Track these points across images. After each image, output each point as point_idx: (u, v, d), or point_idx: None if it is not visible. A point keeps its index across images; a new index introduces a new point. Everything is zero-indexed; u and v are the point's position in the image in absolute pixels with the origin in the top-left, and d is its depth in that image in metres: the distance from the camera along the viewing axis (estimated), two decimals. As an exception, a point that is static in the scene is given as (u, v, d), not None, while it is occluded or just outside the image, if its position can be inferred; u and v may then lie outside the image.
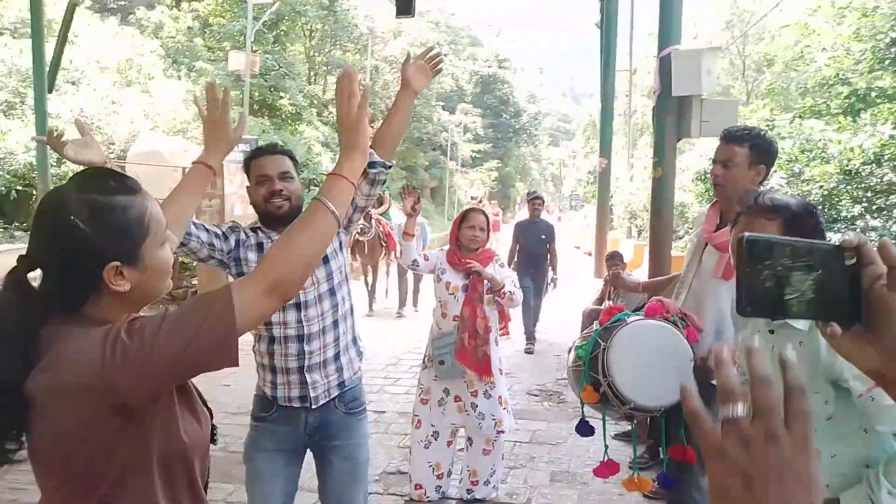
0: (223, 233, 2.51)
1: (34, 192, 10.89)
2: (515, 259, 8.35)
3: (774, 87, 22.32)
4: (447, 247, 4.13)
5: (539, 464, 4.65)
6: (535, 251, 8.26)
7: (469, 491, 4.07)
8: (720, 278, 2.73)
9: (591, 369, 2.66)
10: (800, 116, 14.00)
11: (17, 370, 1.20)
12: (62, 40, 9.86)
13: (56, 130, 1.96)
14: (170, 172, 10.18)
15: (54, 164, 11.14)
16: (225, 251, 2.50)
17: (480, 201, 17.33)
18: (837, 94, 12.81)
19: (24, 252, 1.29)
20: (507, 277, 4.05)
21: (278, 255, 1.29)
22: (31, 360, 1.20)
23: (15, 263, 1.28)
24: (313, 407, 2.53)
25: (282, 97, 23.31)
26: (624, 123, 30.80)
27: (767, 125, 14.49)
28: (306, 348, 2.49)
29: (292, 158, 2.60)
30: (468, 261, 3.90)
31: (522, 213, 12.74)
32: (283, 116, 23.54)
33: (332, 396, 2.56)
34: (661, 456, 2.88)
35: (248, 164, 2.54)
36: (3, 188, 10.99)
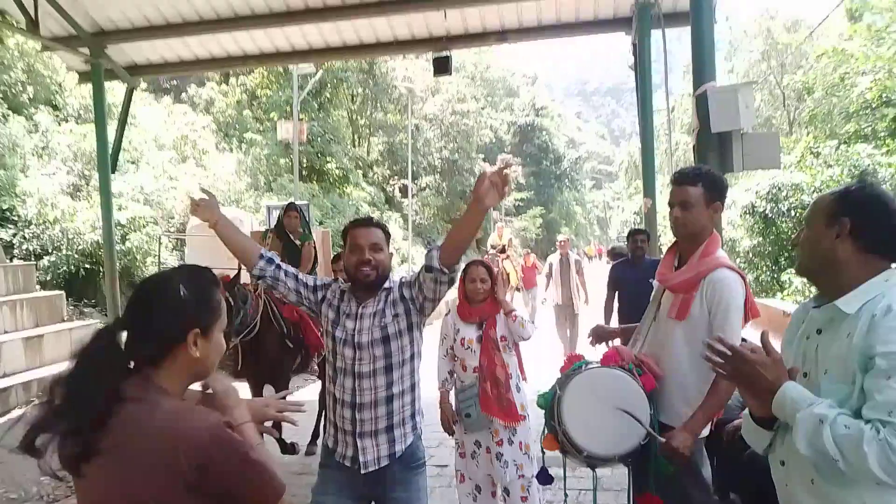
0: (313, 285, 2.79)
1: (101, 270, 11.40)
2: (616, 314, 6.75)
3: (816, 115, 22.00)
4: (452, 305, 4.29)
5: (606, 509, 4.60)
6: (643, 302, 6.68)
7: None
8: (674, 319, 2.70)
9: (550, 418, 2.70)
10: (845, 142, 13.76)
11: (94, 410, 1.42)
12: (122, 123, 10.47)
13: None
14: (226, 241, 10.58)
15: (118, 241, 11.69)
16: (312, 301, 2.78)
17: (503, 251, 14.23)
18: (883, 116, 12.62)
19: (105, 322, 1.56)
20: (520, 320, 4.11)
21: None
22: (107, 409, 1.43)
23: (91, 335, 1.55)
24: (362, 472, 2.62)
25: (328, 161, 24.03)
26: (665, 162, 30.66)
27: (812, 153, 14.33)
28: (358, 416, 2.62)
29: (385, 231, 2.78)
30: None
31: (554, 258, 10.53)
32: (331, 180, 24.22)
33: (382, 465, 2.64)
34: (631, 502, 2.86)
35: (346, 232, 2.78)
36: (72, 267, 11.55)
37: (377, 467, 2.63)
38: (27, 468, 6.04)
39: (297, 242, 6.94)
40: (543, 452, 2.94)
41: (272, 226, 7.73)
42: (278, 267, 2.74)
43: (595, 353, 3.06)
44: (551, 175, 55.45)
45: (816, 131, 21.24)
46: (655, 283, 2.98)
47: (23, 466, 6.09)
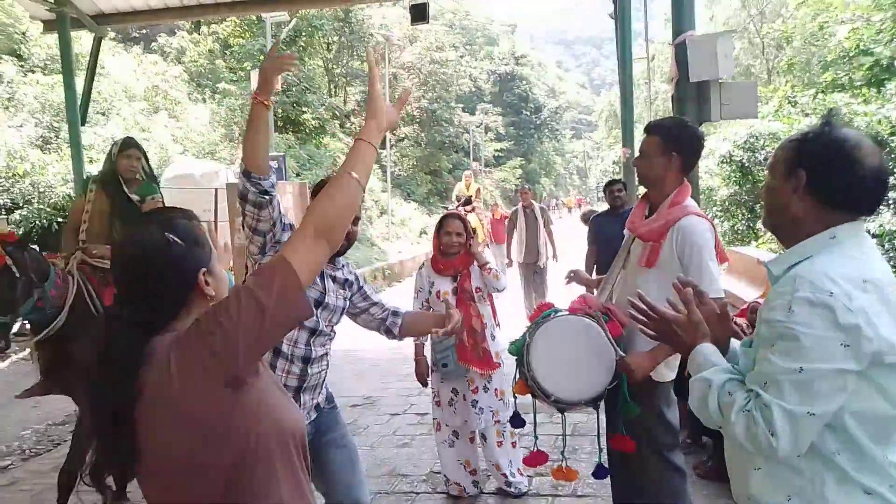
0: (289, 224, 2.63)
1: (74, 223, 11.24)
2: (595, 268, 6.56)
3: (795, 64, 22.00)
4: (426, 259, 4.30)
5: (581, 455, 4.72)
6: None
7: (508, 484, 4.17)
8: (644, 266, 2.77)
9: (520, 364, 2.80)
10: (822, 91, 13.79)
11: (129, 396, 1.33)
12: (91, 74, 10.16)
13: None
14: (202, 194, 10.45)
15: (91, 193, 11.49)
16: (279, 243, 2.59)
17: (469, 203, 12.45)
18: (860, 65, 12.65)
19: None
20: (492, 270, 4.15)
21: (317, 208, 1.46)
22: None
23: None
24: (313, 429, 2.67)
25: (304, 112, 23.64)
26: (645, 110, 30.61)
27: (790, 102, 14.36)
28: (309, 370, 2.65)
29: None
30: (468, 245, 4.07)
31: (518, 211, 9.60)
32: (307, 130, 23.87)
33: (311, 418, 2.71)
34: (601, 447, 2.97)
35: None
36: (44, 221, 11.37)
37: (308, 420, 2.69)
38: (8, 423, 6.06)
39: (135, 198, 4.50)
40: (515, 397, 3.04)
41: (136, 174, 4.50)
42: (274, 196, 2.52)
43: (565, 302, 3.11)
44: (531, 125, 55.12)
45: (795, 80, 21.27)
46: (627, 231, 3.03)
47: (4, 421, 6.10)
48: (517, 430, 4.07)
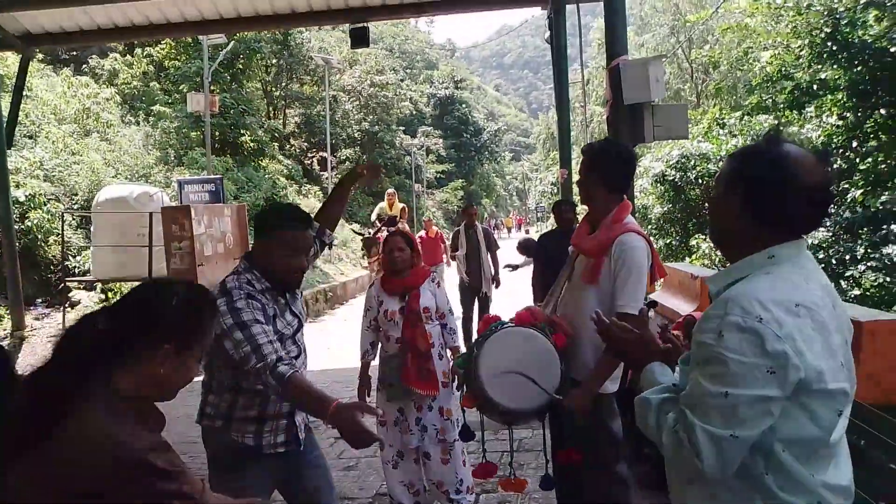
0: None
1: (-1, 250, 10.78)
2: (539, 286, 6.58)
3: (722, 88, 23.01)
4: (377, 278, 4.31)
5: (528, 470, 4.76)
6: None
7: (451, 501, 4.14)
8: (584, 283, 2.87)
9: (468, 377, 2.84)
10: (748, 114, 14.43)
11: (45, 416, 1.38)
12: (18, 95, 9.84)
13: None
14: (136, 218, 10.17)
15: (17, 220, 11.05)
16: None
17: (393, 223, 10.97)
18: (782, 89, 13.29)
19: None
20: (445, 303, 4.18)
21: None
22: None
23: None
24: (301, 448, 2.70)
25: (242, 134, 23.30)
26: (581, 133, 31.35)
27: (718, 124, 14.99)
28: None
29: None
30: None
31: (460, 231, 9.16)
32: (246, 153, 23.51)
33: (303, 437, 2.74)
34: (547, 458, 3.06)
35: (281, 228, 2.60)
36: (-34, 248, 10.85)
37: (302, 437, 2.71)
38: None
39: None
40: (463, 411, 3.05)
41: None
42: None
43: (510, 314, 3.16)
44: (471, 147, 55.67)
45: (722, 103, 22.22)
46: (571, 248, 3.10)
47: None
48: (465, 445, 4.07)
